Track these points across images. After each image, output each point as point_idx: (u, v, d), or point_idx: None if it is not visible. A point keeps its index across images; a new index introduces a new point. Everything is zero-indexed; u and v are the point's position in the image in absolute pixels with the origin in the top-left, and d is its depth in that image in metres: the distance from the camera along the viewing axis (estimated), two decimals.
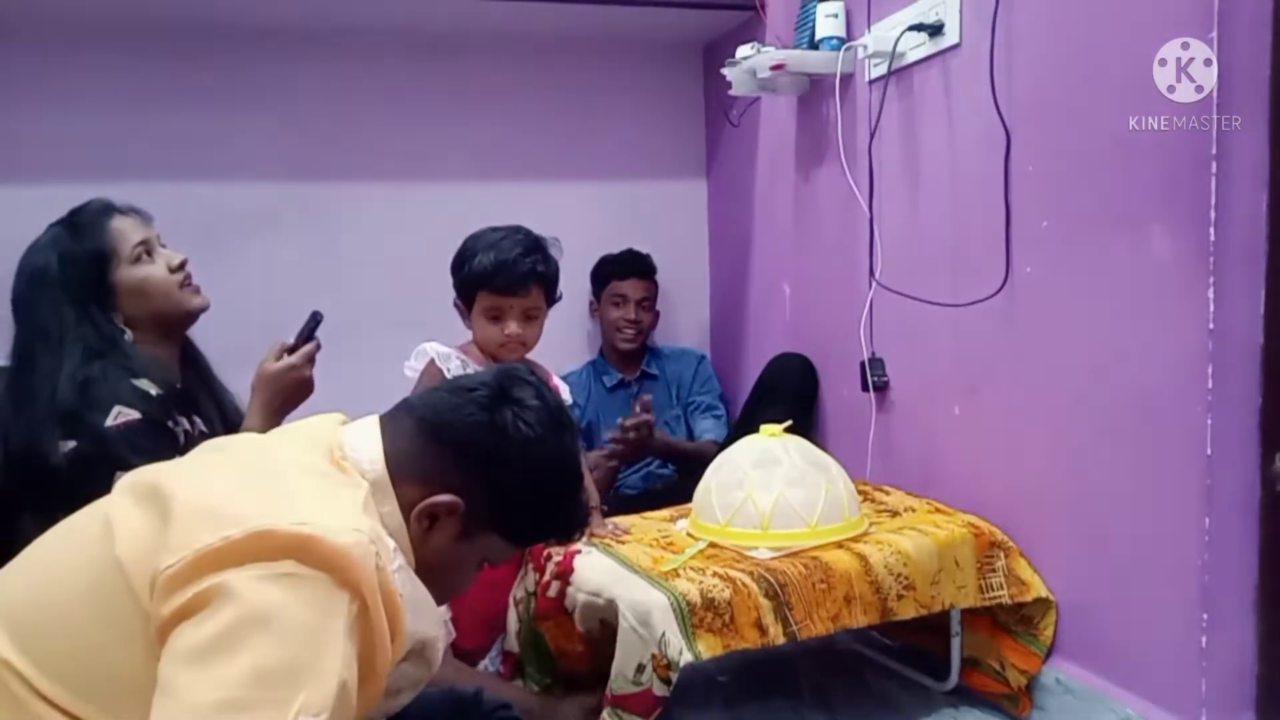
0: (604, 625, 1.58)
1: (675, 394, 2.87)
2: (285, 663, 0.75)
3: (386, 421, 1.00)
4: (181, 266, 1.59)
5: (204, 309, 1.62)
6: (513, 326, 1.75)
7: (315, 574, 0.79)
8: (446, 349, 1.77)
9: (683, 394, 2.88)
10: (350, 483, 0.92)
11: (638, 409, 2.38)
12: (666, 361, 2.91)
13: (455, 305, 1.86)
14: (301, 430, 1.03)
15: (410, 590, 0.92)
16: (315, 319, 1.61)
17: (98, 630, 0.83)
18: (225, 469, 0.96)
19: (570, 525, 1.06)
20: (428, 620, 0.97)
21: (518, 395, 1.00)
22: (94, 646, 0.83)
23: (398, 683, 0.97)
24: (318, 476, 0.91)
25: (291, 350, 1.58)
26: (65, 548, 0.92)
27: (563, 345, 2.85)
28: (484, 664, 1.83)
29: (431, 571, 0.97)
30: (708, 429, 2.77)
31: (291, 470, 0.92)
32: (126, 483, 0.93)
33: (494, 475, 0.97)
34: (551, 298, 1.83)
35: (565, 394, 1.79)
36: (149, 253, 1.55)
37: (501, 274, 1.72)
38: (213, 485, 0.89)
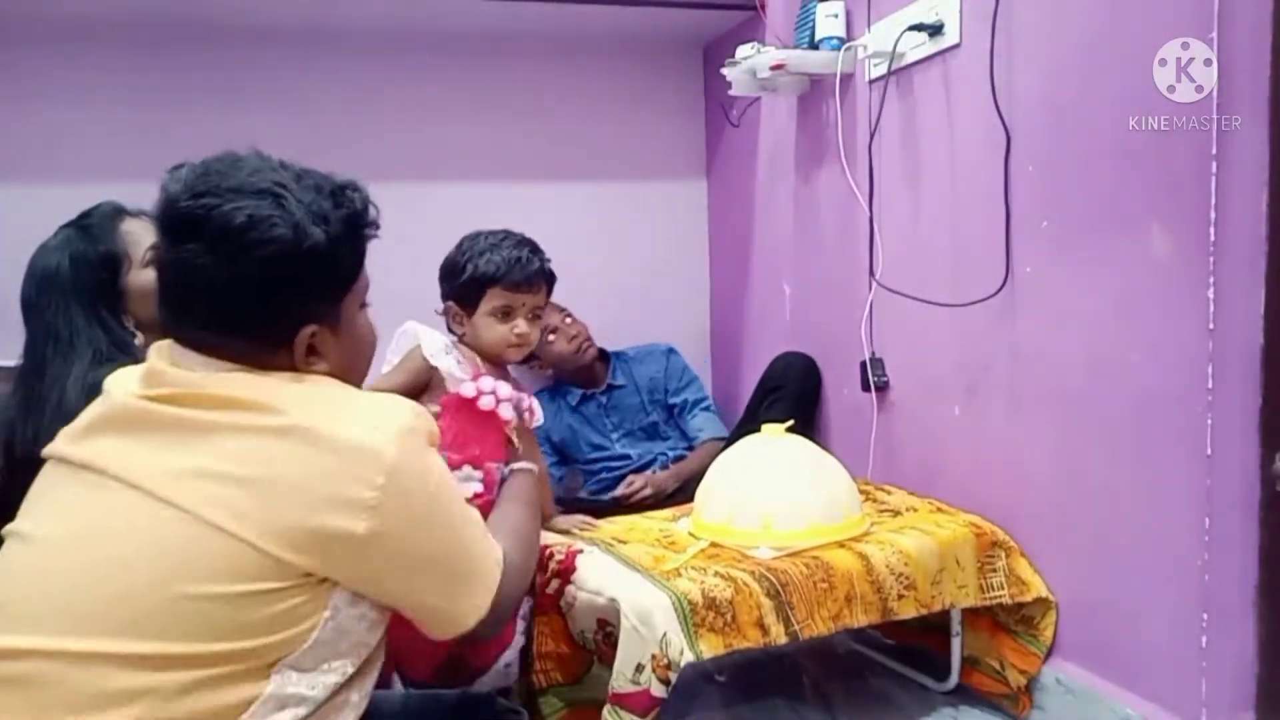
0: (600, 626, 1.58)
1: (648, 397, 2.79)
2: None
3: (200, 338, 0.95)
4: None
5: None
6: (522, 325, 1.71)
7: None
8: (440, 336, 1.68)
9: (658, 394, 2.80)
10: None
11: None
12: (633, 364, 2.84)
13: (445, 310, 1.77)
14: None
15: None
16: None
17: None
18: None
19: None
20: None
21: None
22: None
23: None
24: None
25: None
26: None
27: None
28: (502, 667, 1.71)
29: (348, 369, 1.03)
30: (702, 426, 2.72)
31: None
32: None
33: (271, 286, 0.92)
34: (549, 299, 1.81)
35: (539, 413, 1.67)
36: None
37: (515, 270, 1.70)
38: None
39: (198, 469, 0.86)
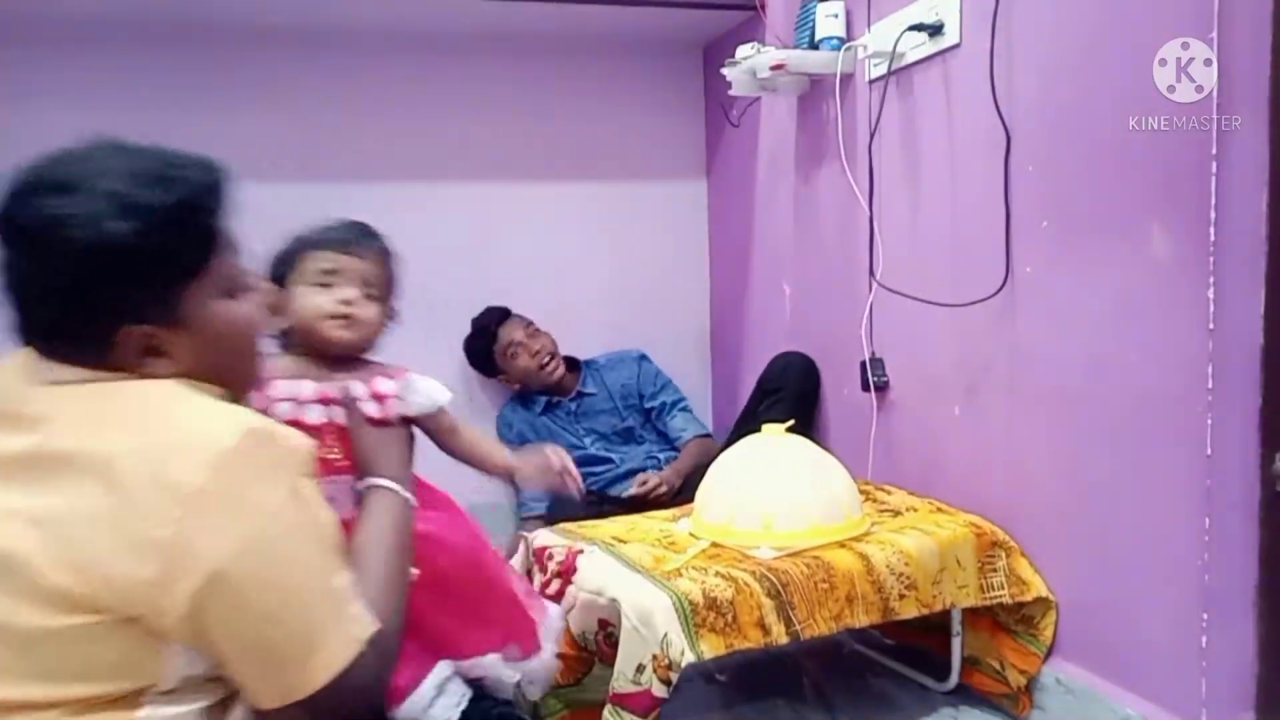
0: (601, 627, 1.58)
1: (622, 403, 2.81)
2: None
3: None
4: None
5: None
6: (349, 291, 1.29)
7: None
8: None
9: (632, 399, 2.82)
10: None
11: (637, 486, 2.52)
12: (604, 371, 2.86)
13: None
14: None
15: None
16: None
17: None
18: None
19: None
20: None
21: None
22: None
23: None
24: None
25: None
26: None
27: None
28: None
29: (217, 367, 0.92)
30: (684, 426, 2.75)
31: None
32: None
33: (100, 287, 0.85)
34: (392, 286, 1.38)
35: (440, 392, 1.32)
36: None
37: (337, 231, 1.35)
38: None
39: (7, 507, 0.80)
